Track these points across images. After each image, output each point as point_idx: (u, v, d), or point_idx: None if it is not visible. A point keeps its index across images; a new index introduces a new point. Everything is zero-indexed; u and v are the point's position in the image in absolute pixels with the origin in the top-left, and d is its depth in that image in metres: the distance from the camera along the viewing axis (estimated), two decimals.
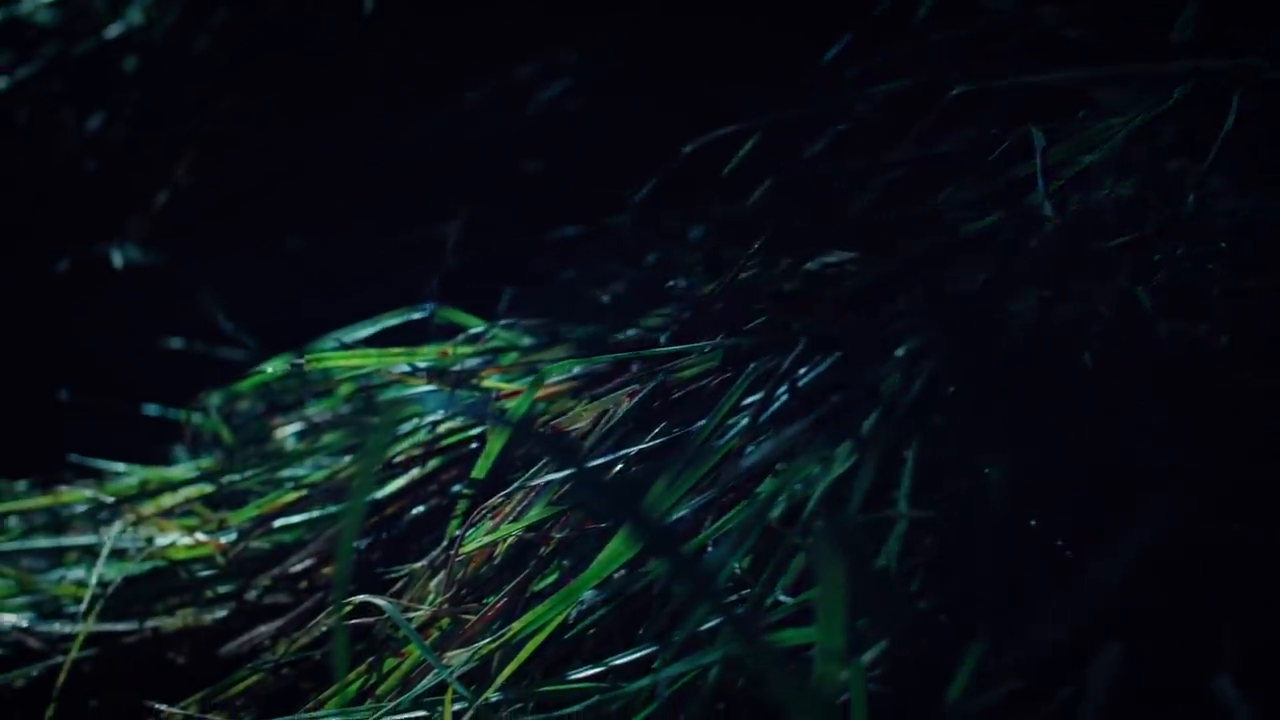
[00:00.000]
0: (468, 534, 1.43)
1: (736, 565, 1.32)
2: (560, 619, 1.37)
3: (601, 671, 1.34)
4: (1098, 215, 1.49)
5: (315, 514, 1.55)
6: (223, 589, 1.58)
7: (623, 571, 1.39)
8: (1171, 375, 1.36)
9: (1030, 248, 1.49)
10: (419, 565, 1.47)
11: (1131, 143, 1.52)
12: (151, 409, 1.98)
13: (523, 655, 1.36)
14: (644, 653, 1.31)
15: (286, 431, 1.70)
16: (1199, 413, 1.33)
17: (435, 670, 1.36)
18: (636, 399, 1.47)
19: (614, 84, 2.49)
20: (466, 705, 1.34)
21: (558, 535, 1.43)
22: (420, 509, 1.54)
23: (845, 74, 1.93)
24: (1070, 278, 1.45)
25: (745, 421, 1.40)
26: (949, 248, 1.57)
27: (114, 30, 2.56)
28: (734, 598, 1.33)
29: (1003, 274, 1.48)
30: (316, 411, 1.69)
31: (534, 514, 1.42)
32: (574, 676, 1.34)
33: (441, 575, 1.45)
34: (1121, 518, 1.23)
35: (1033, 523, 1.27)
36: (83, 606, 1.52)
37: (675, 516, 1.38)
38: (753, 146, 1.76)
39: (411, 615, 1.43)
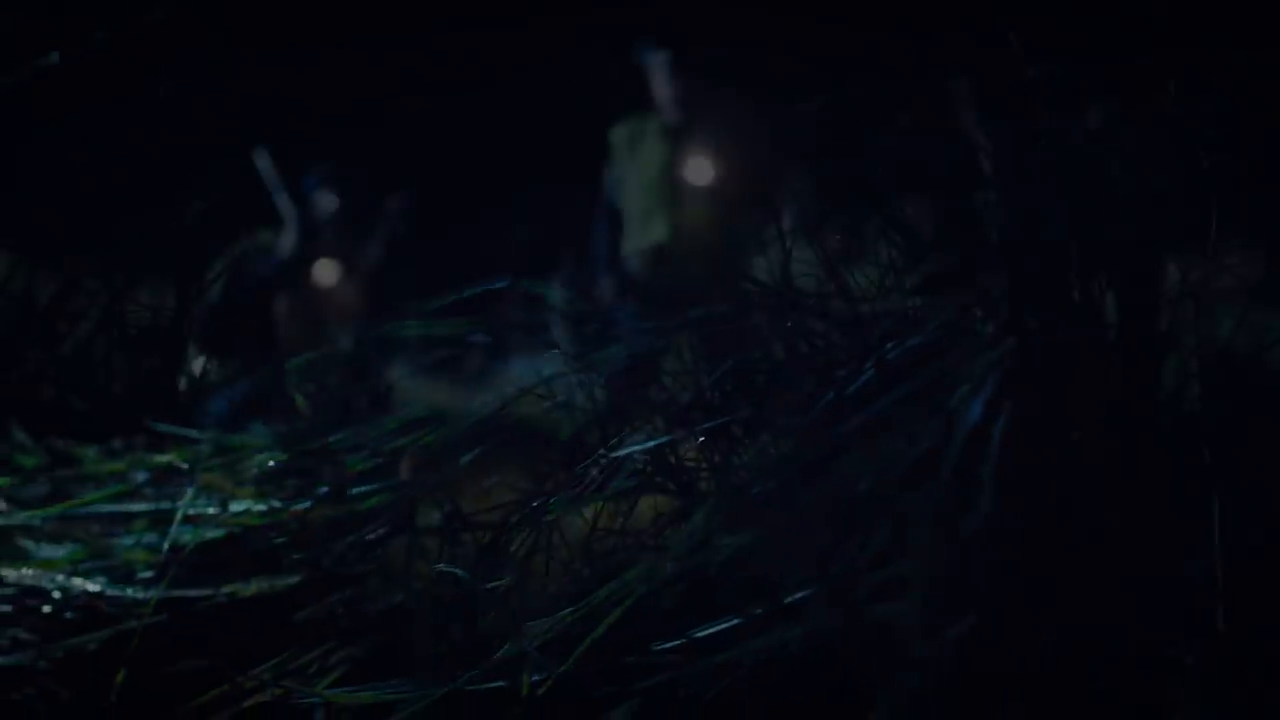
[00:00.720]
0: (549, 503, 1.43)
1: (821, 538, 1.32)
2: (642, 590, 1.36)
3: (683, 643, 1.33)
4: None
5: (393, 482, 1.55)
6: (297, 556, 1.57)
7: (705, 545, 1.39)
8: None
9: (1091, 235, 1.49)
10: (497, 534, 1.47)
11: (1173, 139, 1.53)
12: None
13: (603, 626, 1.35)
14: (726, 625, 1.30)
15: (364, 400, 1.69)
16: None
17: (514, 639, 1.35)
18: (719, 372, 1.47)
19: None
20: (546, 675, 1.33)
21: (639, 506, 1.43)
22: (499, 478, 1.53)
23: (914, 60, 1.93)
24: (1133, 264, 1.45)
25: (831, 395, 1.40)
26: (1016, 235, 1.57)
27: None
28: (820, 571, 1.32)
29: (1067, 258, 1.48)
30: (395, 379, 1.68)
31: (616, 484, 1.42)
32: (656, 648, 1.33)
33: (521, 544, 1.45)
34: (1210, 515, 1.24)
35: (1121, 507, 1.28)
36: (155, 572, 1.52)
37: (760, 489, 1.38)
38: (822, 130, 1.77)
39: (491, 584, 1.42)
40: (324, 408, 1.71)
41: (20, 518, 1.55)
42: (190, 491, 1.58)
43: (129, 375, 1.89)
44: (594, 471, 1.47)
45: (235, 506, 1.58)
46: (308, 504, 1.58)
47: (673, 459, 1.45)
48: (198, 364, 2.27)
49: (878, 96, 1.83)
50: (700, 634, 1.33)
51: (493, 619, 1.42)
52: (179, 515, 1.55)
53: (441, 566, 1.41)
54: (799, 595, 1.26)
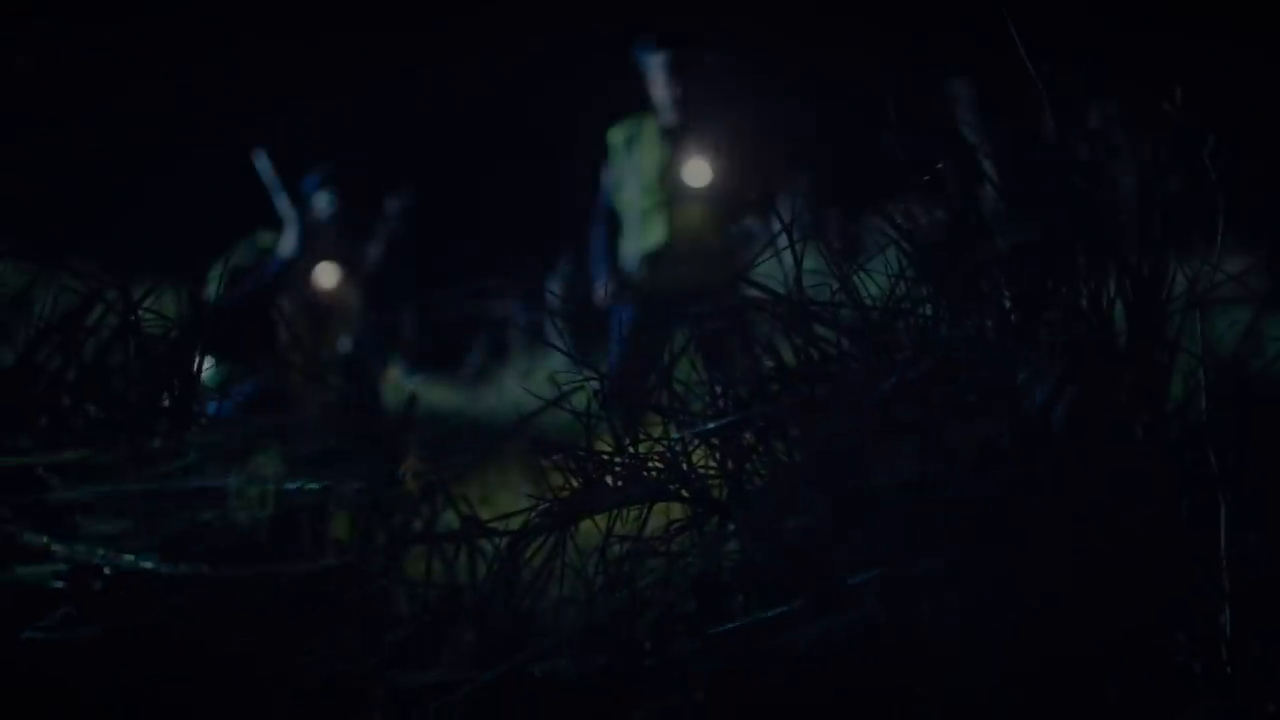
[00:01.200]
0: (607, 483, 1.43)
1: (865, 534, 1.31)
2: (703, 571, 1.37)
3: (742, 625, 1.32)
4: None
5: (445, 461, 1.56)
6: (349, 536, 1.58)
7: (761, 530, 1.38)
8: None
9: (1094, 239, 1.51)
10: (551, 513, 1.47)
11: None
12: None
13: (653, 613, 1.35)
14: (771, 616, 1.29)
15: (411, 380, 1.70)
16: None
17: (556, 629, 1.35)
18: (731, 377, 1.47)
19: None
20: (589, 664, 1.33)
21: (652, 512, 1.42)
22: (556, 457, 1.53)
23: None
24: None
25: (893, 380, 1.39)
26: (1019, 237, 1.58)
27: None
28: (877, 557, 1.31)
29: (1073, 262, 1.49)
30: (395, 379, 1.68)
31: (631, 491, 1.41)
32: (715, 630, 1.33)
33: (537, 550, 1.44)
34: None
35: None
36: (206, 549, 1.52)
37: (799, 482, 1.37)
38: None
39: (542, 565, 1.43)
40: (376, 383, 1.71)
41: (73, 494, 1.55)
42: (244, 471, 1.59)
43: (144, 381, 1.90)
44: (607, 478, 1.46)
45: (288, 485, 1.59)
46: (362, 483, 1.59)
47: (685, 465, 1.44)
48: (207, 368, 2.28)
49: (878, 97, 1.86)
50: (743, 624, 1.32)
51: (530, 610, 1.41)
52: (230, 494, 1.56)
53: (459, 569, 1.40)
54: (846, 585, 1.25)
